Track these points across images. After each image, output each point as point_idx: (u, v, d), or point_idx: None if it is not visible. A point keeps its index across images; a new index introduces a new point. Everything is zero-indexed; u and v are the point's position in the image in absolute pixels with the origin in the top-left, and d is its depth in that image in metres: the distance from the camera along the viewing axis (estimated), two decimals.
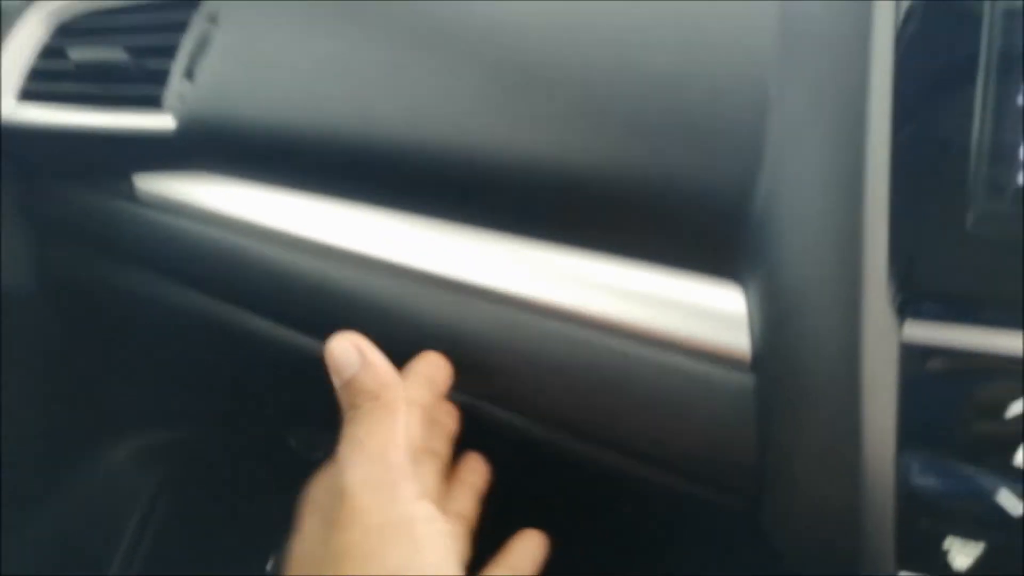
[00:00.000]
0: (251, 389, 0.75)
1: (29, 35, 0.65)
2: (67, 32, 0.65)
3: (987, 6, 0.34)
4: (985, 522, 0.34)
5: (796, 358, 0.37)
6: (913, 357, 0.35)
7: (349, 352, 0.40)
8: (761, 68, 0.40)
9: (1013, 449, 0.34)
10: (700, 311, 0.43)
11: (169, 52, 0.61)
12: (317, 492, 0.37)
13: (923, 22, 0.35)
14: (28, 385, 0.76)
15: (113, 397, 0.81)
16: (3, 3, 0.65)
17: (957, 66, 0.35)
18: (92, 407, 0.81)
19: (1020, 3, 0.33)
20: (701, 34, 0.42)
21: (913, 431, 0.35)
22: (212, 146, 0.59)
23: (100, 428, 0.83)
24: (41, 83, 0.65)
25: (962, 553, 0.35)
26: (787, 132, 0.39)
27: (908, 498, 0.35)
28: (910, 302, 0.35)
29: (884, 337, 0.35)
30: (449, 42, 0.50)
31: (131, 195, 0.63)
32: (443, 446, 0.48)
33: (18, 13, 0.65)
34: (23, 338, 0.73)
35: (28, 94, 0.65)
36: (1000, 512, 0.34)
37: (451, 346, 0.49)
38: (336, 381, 0.40)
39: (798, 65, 0.39)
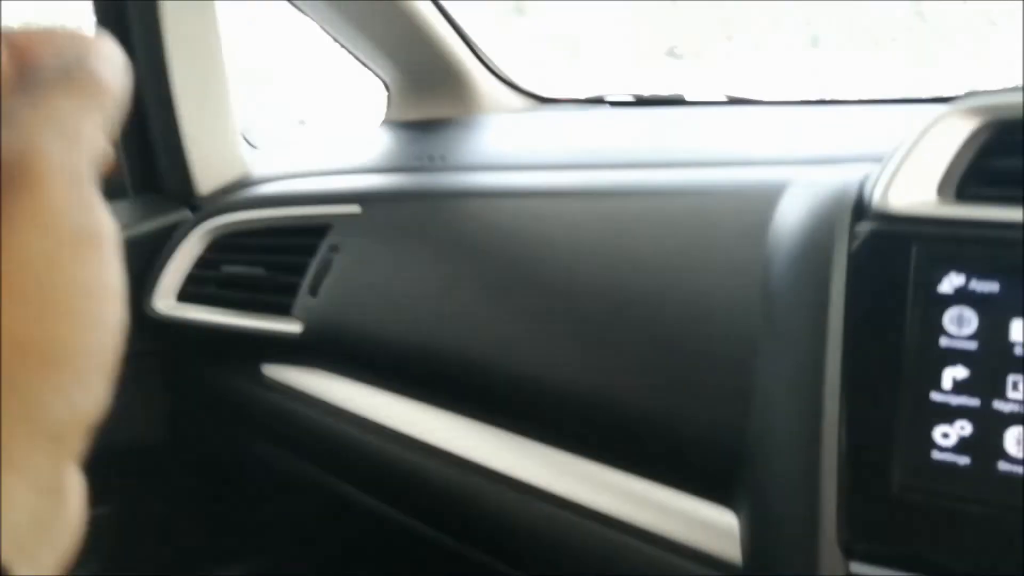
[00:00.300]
0: (330, 539, 0.89)
1: (191, 248, 0.83)
2: (219, 247, 0.83)
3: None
4: None
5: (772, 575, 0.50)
6: None
7: (117, 59, 0.28)
8: (748, 344, 0.54)
9: None
10: (706, 525, 0.55)
11: (299, 271, 0.77)
12: None
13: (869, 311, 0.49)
14: (151, 518, 0.91)
15: (220, 531, 0.95)
16: (181, 220, 0.83)
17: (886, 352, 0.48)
18: (204, 538, 0.95)
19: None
20: (705, 316, 0.57)
21: None
22: (328, 350, 0.74)
23: (206, 555, 0.96)
24: (196, 287, 0.82)
25: None
26: (767, 398, 0.52)
27: None
28: (855, 544, 0.47)
29: (835, 570, 0.47)
30: (530, 293, 0.65)
31: (259, 379, 0.79)
32: None
33: (189, 229, 0.83)
34: (151, 480, 0.89)
35: (184, 295, 0.82)
36: None
37: (498, 529, 0.63)
38: (64, 57, 0.27)
39: (774, 348, 0.53)
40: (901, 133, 0.53)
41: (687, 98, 1.25)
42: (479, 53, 1.14)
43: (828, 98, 1.11)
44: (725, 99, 1.19)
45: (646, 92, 1.27)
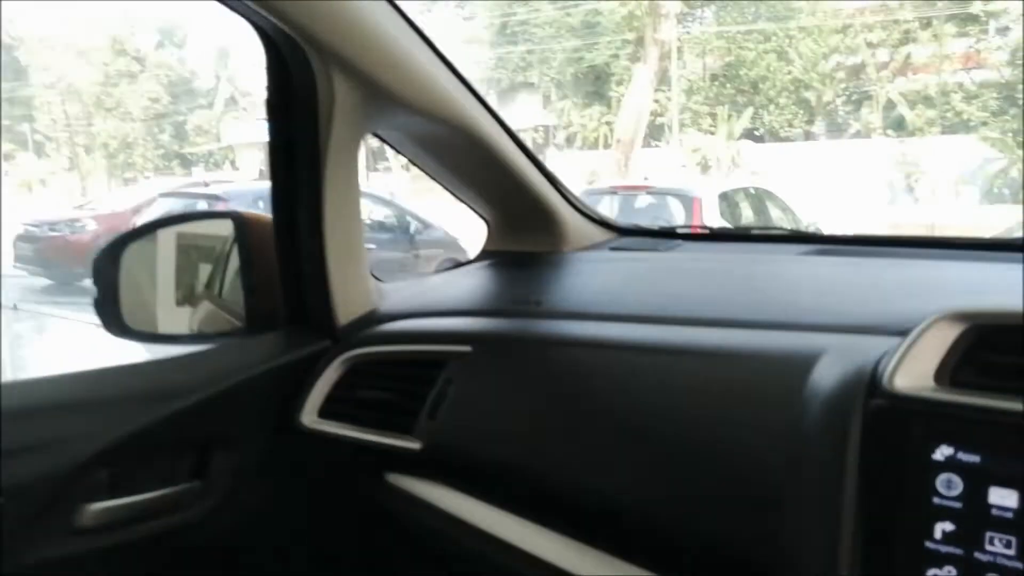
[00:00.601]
0: None
1: (331, 374, 1.02)
2: (354, 373, 1.01)
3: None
4: None
5: None
6: None
7: None
8: (781, 487, 0.68)
9: None
10: None
11: (420, 397, 0.95)
12: None
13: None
14: None
15: None
16: (324, 349, 1.02)
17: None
18: None
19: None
20: (746, 461, 0.71)
21: None
22: (442, 465, 0.91)
23: None
24: (334, 405, 1.01)
25: None
26: (793, 534, 0.66)
27: None
28: None
29: None
30: (608, 430, 0.80)
31: (383, 485, 0.96)
32: None
33: (332, 359, 1.02)
34: (286, 567, 1.06)
35: (324, 412, 1.01)
36: None
37: None
38: None
39: (801, 493, 0.66)
40: (941, 296, 0.66)
41: (752, 232, 1.40)
42: (565, 193, 1.33)
43: (887, 235, 1.25)
44: (788, 233, 1.34)
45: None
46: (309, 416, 1.00)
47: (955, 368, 0.64)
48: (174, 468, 0.94)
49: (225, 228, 1.27)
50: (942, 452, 0.61)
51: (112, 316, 1.11)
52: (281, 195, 1.05)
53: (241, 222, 1.14)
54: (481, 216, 1.38)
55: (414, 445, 0.92)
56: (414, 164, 1.23)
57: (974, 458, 0.60)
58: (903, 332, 0.68)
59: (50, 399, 0.88)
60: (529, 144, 1.33)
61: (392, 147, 1.17)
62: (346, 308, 1.07)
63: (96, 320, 1.11)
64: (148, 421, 0.90)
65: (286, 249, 1.06)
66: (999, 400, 0.60)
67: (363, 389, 1.00)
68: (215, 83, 31.85)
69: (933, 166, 16.22)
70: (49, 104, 28.37)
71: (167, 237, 1.33)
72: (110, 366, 0.95)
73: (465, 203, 1.33)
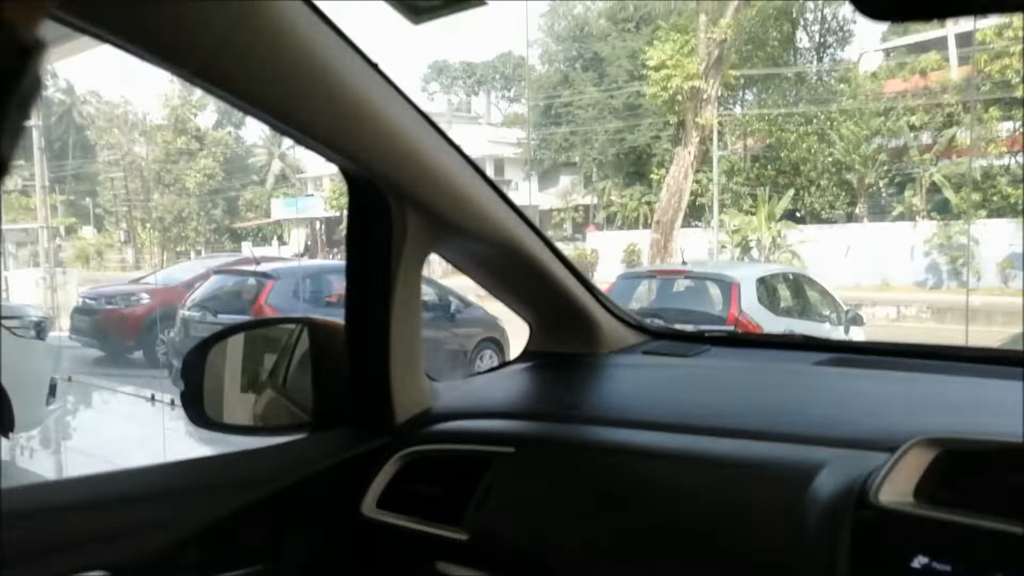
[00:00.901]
0: None
1: (390, 468, 1.14)
2: (409, 468, 1.14)
3: None
4: None
5: None
6: None
7: None
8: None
9: None
10: None
11: (468, 491, 1.06)
12: None
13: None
14: None
15: None
16: (384, 445, 1.15)
17: None
18: None
19: None
20: (752, 556, 0.81)
21: None
22: (489, 555, 1.02)
23: None
24: (391, 497, 1.13)
25: None
26: None
27: None
28: None
29: None
30: (636, 530, 0.91)
31: (432, 573, 1.07)
32: None
33: (390, 454, 1.15)
34: None
35: (382, 503, 1.13)
36: None
37: None
38: None
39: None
40: (935, 412, 0.77)
41: (773, 338, 1.52)
42: (602, 299, 1.46)
43: (897, 345, 1.35)
44: (804, 340, 1.45)
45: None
46: (369, 507, 1.13)
47: (932, 486, 0.74)
48: (251, 550, 1.07)
49: (290, 324, 1.43)
50: (919, 561, 0.71)
51: (196, 409, 1.26)
52: (354, 306, 1.20)
53: (313, 328, 1.29)
54: (525, 319, 1.52)
55: (462, 536, 1.04)
56: (466, 275, 1.38)
57: (946, 567, 0.69)
58: (893, 449, 0.78)
59: (157, 485, 1.02)
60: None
61: (448, 261, 1.33)
62: (404, 408, 1.21)
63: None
64: (233, 507, 1.03)
65: (355, 353, 1.20)
66: (967, 517, 0.70)
67: (417, 483, 1.12)
68: (267, 160, 33.18)
69: (978, 249, 16.09)
70: (112, 180, 29.81)
71: (244, 338, 1.49)
72: (201, 457, 1.09)
73: (511, 308, 1.47)
